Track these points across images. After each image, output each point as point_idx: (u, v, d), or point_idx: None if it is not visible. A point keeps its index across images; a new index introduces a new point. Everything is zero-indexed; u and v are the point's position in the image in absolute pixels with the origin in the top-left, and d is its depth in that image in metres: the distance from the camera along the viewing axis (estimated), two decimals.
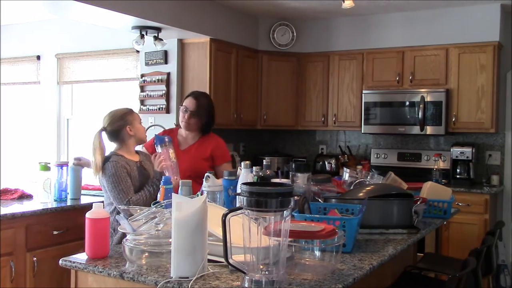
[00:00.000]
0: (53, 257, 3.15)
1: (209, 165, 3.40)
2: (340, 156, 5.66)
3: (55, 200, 3.57)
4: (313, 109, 5.72)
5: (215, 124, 3.61)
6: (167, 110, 5.08)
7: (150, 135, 3.60)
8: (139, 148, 3.22)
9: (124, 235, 2.07)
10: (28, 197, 3.69)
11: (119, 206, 2.72)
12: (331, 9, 5.20)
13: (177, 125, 3.72)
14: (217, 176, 2.84)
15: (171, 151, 3.03)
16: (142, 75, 5.24)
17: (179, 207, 1.71)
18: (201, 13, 4.87)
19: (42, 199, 3.50)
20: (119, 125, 2.97)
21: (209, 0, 4.97)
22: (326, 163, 5.70)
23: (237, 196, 2.24)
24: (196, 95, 3.51)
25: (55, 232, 3.40)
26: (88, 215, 1.99)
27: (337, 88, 5.58)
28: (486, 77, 4.87)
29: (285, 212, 1.60)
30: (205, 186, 2.48)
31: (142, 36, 4.62)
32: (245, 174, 2.53)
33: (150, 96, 5.18)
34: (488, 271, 3.15)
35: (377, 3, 4.95)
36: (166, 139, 3.04)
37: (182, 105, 3.47)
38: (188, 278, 1.69)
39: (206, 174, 2.49)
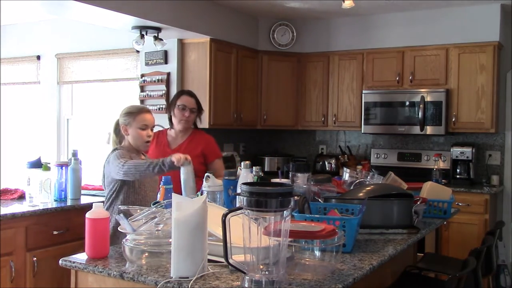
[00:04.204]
0: (53, 257, 3.15)
1: (200, 162, 3.39)
2: (340, 156, 5.66)
3: (55, 200, 3.57)
4: (313, 109, 5.72)
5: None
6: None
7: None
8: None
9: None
10: None
11: (119, 207, 2.72)
12: (331, 9, 5.20)
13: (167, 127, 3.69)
14: None
15: None
16: (142, 75, 5.24)
17: (179, 207, 1.71)
18: (201, 13, 4.87)
19: (42, 199, 3.50)
20: (122, 121, 2.98)
21: (209, 0, 4.97)
22: (326, 163, 5.70)
23: (237, 196, 2.24)
24: (191, 93, 3.58)
25: (55, 232, 3.40)
26: (88, 215, 1.99)
27: (337, 88, 5.58)
28: (486, 77, 4.87)
29: (285, 212, 1.59)
30: (205, 186, 2.48)
31: (142, 36, 4.61)
32: (245, 174, 2.53)
33: (150, 96, 5.18)
34: (488, 271, 3.14)
35: (377, 3, 4.95)
36: None
37: (178, 104, 3.49)
38: (188, 278, 1.69)
39: (206, 174, 2.49)
